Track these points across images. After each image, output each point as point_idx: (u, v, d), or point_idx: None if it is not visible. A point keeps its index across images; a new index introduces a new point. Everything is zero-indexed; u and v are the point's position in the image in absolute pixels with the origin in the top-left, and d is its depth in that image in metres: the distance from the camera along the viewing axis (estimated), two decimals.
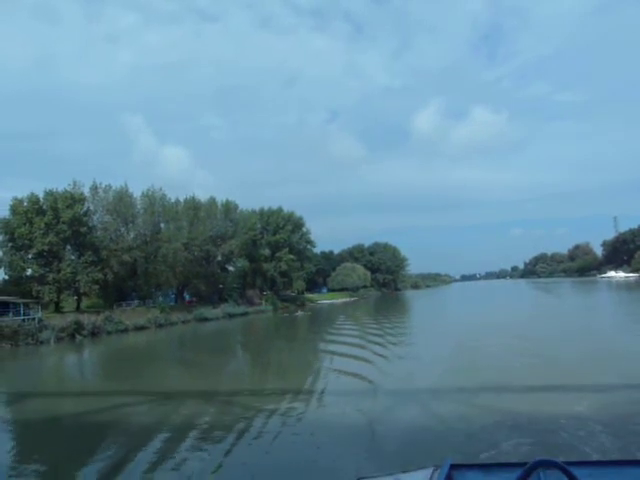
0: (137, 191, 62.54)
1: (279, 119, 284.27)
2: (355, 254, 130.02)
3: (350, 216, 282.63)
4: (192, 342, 40.87)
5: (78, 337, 40.18)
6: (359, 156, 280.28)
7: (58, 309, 51.55)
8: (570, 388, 13.05)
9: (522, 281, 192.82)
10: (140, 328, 47.06)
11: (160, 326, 49.61)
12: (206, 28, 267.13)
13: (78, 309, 53.22)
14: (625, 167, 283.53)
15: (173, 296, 68.16)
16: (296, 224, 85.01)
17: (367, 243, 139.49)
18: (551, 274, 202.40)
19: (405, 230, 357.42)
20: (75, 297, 55.77)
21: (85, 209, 54.50)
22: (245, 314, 64.92)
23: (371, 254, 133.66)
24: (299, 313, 64.07)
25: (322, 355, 24.37)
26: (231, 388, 17.40)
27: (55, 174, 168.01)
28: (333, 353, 23.57)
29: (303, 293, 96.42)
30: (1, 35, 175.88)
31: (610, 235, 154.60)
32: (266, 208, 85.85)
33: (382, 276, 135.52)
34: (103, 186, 58.62)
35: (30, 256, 49.97)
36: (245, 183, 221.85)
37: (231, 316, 61.15)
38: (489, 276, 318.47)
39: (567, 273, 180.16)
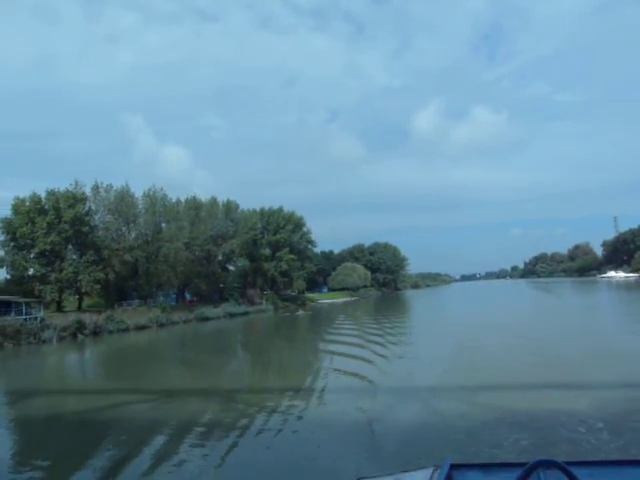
0: (137, 191, 62.86)
1: (279, 119, 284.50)
2: (355, 254, 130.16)
3: (350, 216, 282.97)
4: (193, 341, 41.02)
5: (80, 336, 40.35)
6: (359, 156, 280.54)
7: (60, 308, 51.74)
8: (570, 386, 13.16)
9: (522, 281, 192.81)
10: (141, 327, 47.24)
11: (161, 325, 49.78)
12: (206, 28, 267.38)
13: (79, 308, 53.39)
14: (625, 167, 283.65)
15: (174, 296, 68.32)
16: (297, 224, 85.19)
17: (367, 243, 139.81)
18: (551, 274, 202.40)
19: (405, 230, 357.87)
20: (77, 296, 55.96)
21: (87, 209, 54.69)
22: (246, 313, 65.10)
23: (371, 254, 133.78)
24: (300, 312, 64.22)
25: (322, 354, 24.46)
26: (232, 387, 17.51)
27: (55, 174, 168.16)
28: (333, 353, 23.65)
29: (303, 293, 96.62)
30: (1, 35, 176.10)
31: (610, 235, 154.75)
32: (267, 208, 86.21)
33: (382, 276, 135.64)
34: (104, 186, 58.94)
35: (32, 255, 50.21)
36: (245, 183, 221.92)
37: (232, 315, 61.34)
38: (489, 276, 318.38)
39: (567, 273, 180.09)
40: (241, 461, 9.37)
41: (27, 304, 43.33)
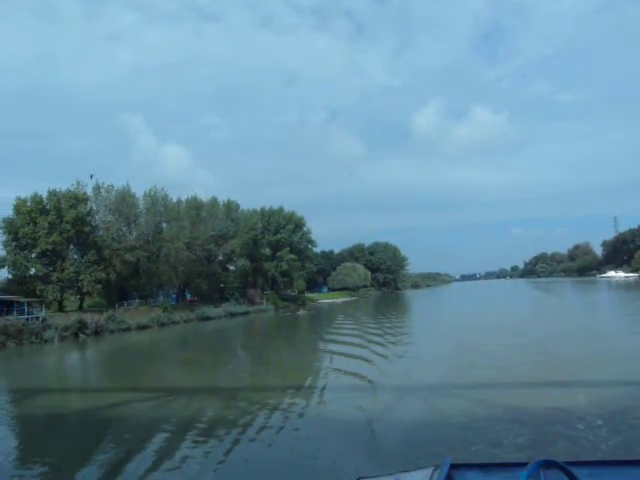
0: (138, 190, 62.93)
1: (279, 118, 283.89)
2: (355, 254, 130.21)
3: (350, 216, 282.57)
4: (195, 341, 41.17)
5: (81, 336, 40.49)
6: (359, 155, 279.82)
7: (61, 308, 51.92)
8: (570, 385, 13.30)
9: (522, 281, 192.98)
10: (143, 327, 47.36)
11: (162, 325, 49.91)
12: (206, 27, 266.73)
13: (81, 308, 53.57)
14: (625, 167, 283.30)
15: (174, 295, 68.45)
16: (297, 224, 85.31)
17: (367, 243, 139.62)
18: (551, 274, 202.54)
19: (405, 230, 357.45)
20: (78, 296, 56.14)
21: (88, 209, 54.84)
22: (246, 313, 65.24)
23: (371, 254, 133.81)
24: (301, 312, 64.42)
25: (323, 354, 24.56)
26: (234, 385, 17.63)
27: (56, 174, 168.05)
28: (333, 352, 23.75)
29: (304, 292, 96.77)
30: (1, 34, 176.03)
31: (610, 235, 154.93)
32: (267, 208, 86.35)
33: (382, 276, 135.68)
34: (106, 186, 59.03)
35: (34, 255, 50.34)
36: (245, 182, 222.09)
37: (233, 315, 61.49)
38: (489, 276, 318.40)
39: (567, 273, 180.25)
40: (243, 458, 9.49)
41: (29, 304, 43.50)
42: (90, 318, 42.94)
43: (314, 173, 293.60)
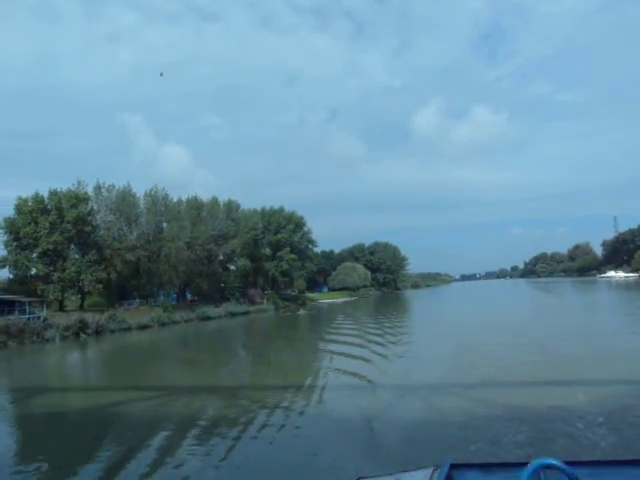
0: (138, 190, 63.02)
1: (279, 118, 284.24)
2: (355, 254, 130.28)
3: (350, 216, 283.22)
4: (195, 340, 41.21)
5: (82, 335, 40.56)
6: (359, 155, 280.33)
7: (62, 308, 51.97)
8: (570, 384, 13.35)
9: (522, 281, 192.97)
10: (143, 327, 47.43)
11: (163, 325, 49.97)
12: (206, 27, 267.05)
13: (81, 308, 53.62)
14: (625, 167, 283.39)
15: (175, 295, 68.51)
16: (297, 224, 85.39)
17: (367, 243, 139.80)
18: (551, 274, 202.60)
19: (405, 230, 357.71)
20: (79, 296, 56.21)
21: (89, 208, 54.92)
22: (247, 313, 65.32)
23: (371, 254, 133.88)
24: (301, 312, 64.50)
25: (323, 354, 24.62)
26: (235, 384, 17.67)
27: (56, 173, 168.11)
28: (333, 352, 23.79)
29: (304, 292, 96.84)
30: (1, 34, 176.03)
31: (610, 235, 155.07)
32: (267, 208, 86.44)
33: (382, 275, 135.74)
34: (106, 186, 59.11)
35: (35, 255, 50.39)
36: (245, 182, 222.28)
37: (233, 315, 61.58)
38: (489, 276, 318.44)
39: (567, 273, 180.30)
40: (245, 456, 9.53)
41: (30, 303, 43.58)
42: (91, 318, 43.01)
43: (314, 173, 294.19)
